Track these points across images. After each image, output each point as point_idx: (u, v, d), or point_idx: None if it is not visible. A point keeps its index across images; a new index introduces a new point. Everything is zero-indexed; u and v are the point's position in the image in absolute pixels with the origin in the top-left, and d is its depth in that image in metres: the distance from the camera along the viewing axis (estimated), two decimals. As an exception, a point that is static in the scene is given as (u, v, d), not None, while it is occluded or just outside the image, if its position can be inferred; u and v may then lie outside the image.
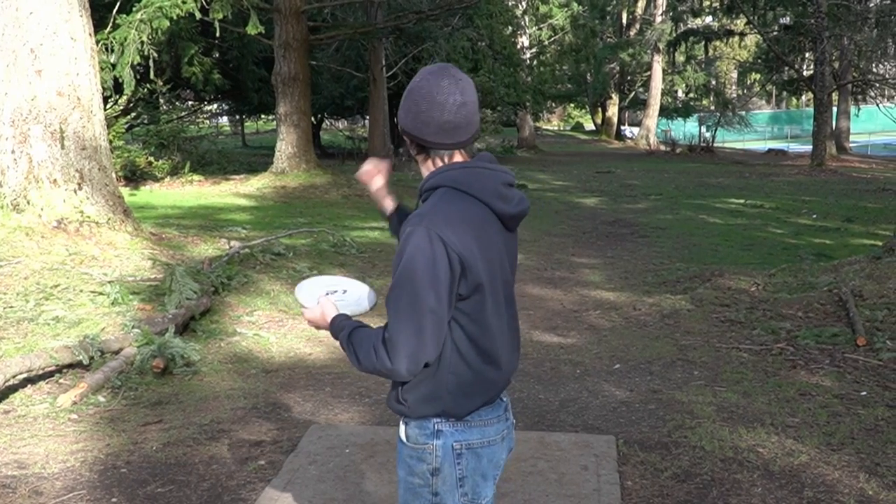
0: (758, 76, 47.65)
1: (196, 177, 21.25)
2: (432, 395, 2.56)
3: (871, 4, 32.17)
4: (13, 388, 5.96)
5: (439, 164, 2.62)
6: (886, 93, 39.33)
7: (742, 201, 19.70)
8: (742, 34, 40.15)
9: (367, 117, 32.44)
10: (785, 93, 54.45)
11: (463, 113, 2.54)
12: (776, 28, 36.64)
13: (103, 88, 12.01)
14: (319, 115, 36.32)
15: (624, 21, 52.25)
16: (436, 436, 2.59)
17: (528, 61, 40.95)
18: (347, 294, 2.88)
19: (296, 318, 8.43)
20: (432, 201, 2.53)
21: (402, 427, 2.66)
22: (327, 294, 2.84)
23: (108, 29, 17.02)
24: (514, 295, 2.73)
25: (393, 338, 2.41)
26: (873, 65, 36.61)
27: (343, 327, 2.61)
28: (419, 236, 2.41)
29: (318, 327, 2.75)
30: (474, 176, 2.56)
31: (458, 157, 2.61)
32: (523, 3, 39.46)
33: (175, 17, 16.89)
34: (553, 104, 57.97)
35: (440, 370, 2.54)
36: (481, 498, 2.68)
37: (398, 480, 2.70)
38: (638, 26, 50.45)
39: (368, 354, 2.47)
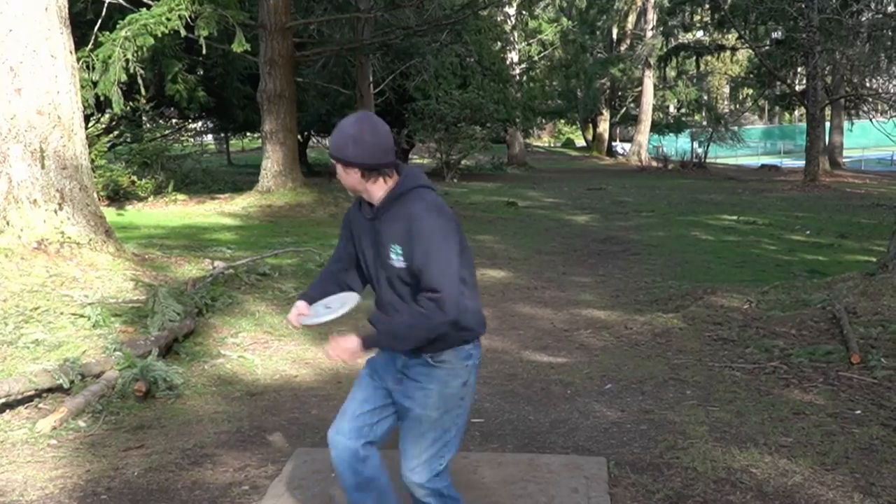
0: (750, 91, 47.88)
1: (180, 196, 21.23)
2: (463, 327, 3.49)
3: (863, 19, 32.34)
4: (-9, 413, 5.93)
5: (388, 178, 3.48)
6: (879, 107, 39.53)
7: (735, 217, 19.75)
8: (733, 49, 40.41)
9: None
10: (777, 108, 54.80)
11: (391, 137, 3.42)
12: (768, 43, 36.86)
13: (85, 107, 12.01)
14: (306, 133, 36.30)
15: (614, 36, 52.54)
16: (468, 357, 3.58)
17: (518, 77, 41.07)
18: (338, 296, 3.70)
19: (281, 340, 8.41)
20: (418, 195, 3.44)
21: (429, 355, 3.54)
22: (326, 307, 3.65)
23: (90, 46, 17.02)
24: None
25: (443, 296, 3.31)
26: (866, 79, 36.79)
27: (370, 333, 3.51)
28: (431, 214, 3.37)
29: (351, 354, 3.50)
30: (423, 176, 3.53)
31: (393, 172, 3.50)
32: (512, 19, 39.61)
33: (160, 35, 16.91)
34: (543, 120, 58.07)
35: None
36: None
37: (424, 393, 3.55)
38: (628, 41, 50.74)
39: (419, 325, 3.37)
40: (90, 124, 18.42)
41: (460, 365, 3.57)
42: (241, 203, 19.55)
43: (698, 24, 42.34)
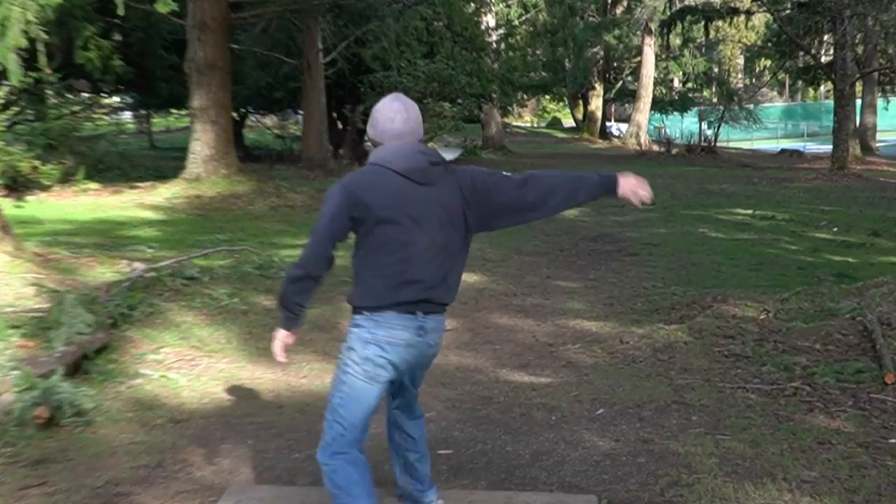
0: (768, 63, 48.26)
1: (92, 185, 21.04)
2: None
3: (900, -22, 32.62)
4: None
5: None
6: (919, 83, 39.92)
7: (750, 212, 19.88)
8: (749, 13, 40.62)
9: (301, 112, 32.31)
10: (800, 82, 55.09)
11: (409, 125, 4.42)
12: (789, 6, 37.07)
13: (-23, 78, 11.88)
14: (243, 110, 36.20)
15: (609, -4, 52.68)
16: (356, 326, 4.46)
17: (495, 45, 41.11)
18: None
19: (212, 357, 8.37)
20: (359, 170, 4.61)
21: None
22: None
23: (-16, 6, 16.84)
24: (435, 227, 4.39)
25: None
26: (903, 49, 37.11)
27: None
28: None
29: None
30: (390, 152, 4.38)
31: None
32: (488, -24, 39.67)
33: (67, -8, 16.77)
34: (525, 96, 58.25)
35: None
36: None
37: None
38: (626, 3, 50.88)
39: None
40: (-17, 99, 18.22)
41: (351, 328, 4.44)
42: (165, 193, 19.45)
43: (708, -16, 42.61)
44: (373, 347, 4.32)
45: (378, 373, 4.36)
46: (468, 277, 12.30)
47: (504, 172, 4.65)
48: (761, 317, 9.29)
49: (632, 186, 4.46)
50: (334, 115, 33.65)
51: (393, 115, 4.39)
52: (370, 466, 4.52)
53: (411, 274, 4.32)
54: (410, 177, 4.33)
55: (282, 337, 4.55)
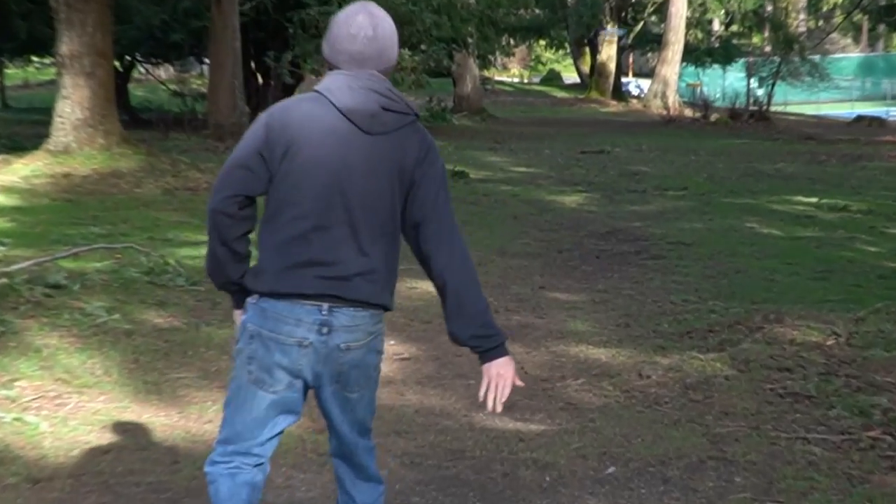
0: (839, 0, 48.40)
1: (-79, 158, 21.00)
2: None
3: None
4: None
5: None
6: None
7: (814, 200, 19.97)
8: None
9: (207, 61, 32.23)
10: (883, 26, 55.47)
11: (374, 47, 4.37)
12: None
13: None
14: (128, 58, 36.09)
15: None
16: (247, 310, 4.56)
17: (472, -28, 41.15)
18: None
19: (83, 393, 8.31)
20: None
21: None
22: None
23: None
24: (374, 192, 4.40)
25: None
26: None
27: None
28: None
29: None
30: (337, 81, 4.39)
31: None
32: None
33: None
34: (512, 41, 58.26)
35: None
36: None
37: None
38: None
39: None
40: None
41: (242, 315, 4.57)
42: (22, 170, 19.36)
43: None
44: (256, 345, 4.39)
45: (262, 378, 4.41)
46: (432, 288, 12.28)
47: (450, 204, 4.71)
48: (829, 342, 9.33)
49: (499, 374, 4.52)
50: (252, 64, 33.61)
51: (355, 31, 4.33)
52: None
53: (318, 253, 4.31)
54: (352, 119, 4.31)
55: (236, 317, 4.67)
